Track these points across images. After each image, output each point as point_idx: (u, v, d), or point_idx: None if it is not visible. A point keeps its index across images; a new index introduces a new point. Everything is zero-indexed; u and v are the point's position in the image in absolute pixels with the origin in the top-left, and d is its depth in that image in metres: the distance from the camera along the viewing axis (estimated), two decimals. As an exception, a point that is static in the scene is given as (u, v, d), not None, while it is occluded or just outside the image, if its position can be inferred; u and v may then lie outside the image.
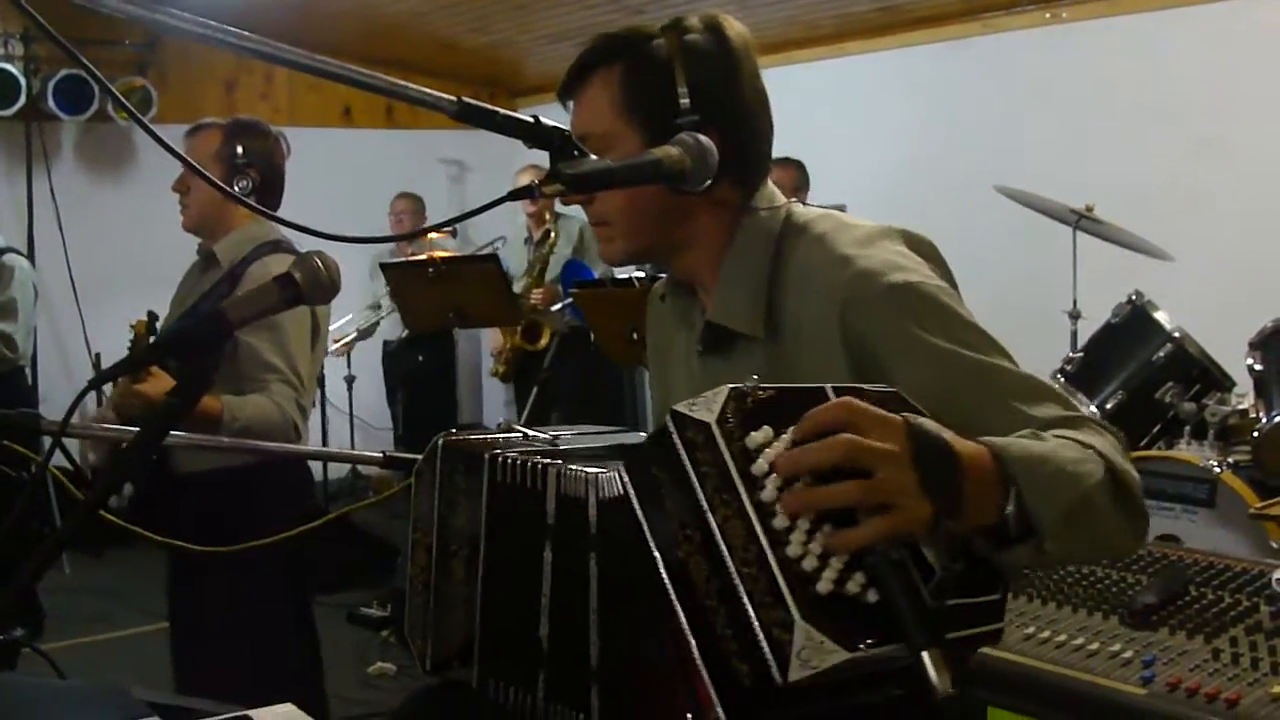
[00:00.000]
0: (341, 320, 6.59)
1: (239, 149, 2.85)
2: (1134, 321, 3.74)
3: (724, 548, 1.03)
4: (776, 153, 1.55)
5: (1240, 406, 3.56)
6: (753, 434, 1.06)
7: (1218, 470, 3.33)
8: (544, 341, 5.81)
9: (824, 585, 1.02)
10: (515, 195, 1.25)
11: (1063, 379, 3.83)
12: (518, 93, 8.18)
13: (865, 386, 1.18)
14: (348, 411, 7.10)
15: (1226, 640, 1.94)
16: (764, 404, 1.09)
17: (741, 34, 1.48)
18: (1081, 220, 4.13)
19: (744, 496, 1.03)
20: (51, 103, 6.52)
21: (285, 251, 2.83)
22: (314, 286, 1.29)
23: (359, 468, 7.32)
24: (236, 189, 2.80)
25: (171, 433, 1.48)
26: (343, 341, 6.70)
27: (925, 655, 1.01)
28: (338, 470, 7.18)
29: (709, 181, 1.38)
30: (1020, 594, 2.20)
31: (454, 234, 6.84)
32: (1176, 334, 3.64)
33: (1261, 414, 3.37)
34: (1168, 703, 1.77)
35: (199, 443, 2.16)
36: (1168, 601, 2.08)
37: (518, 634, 1.31)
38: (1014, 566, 1.20)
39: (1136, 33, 5.20)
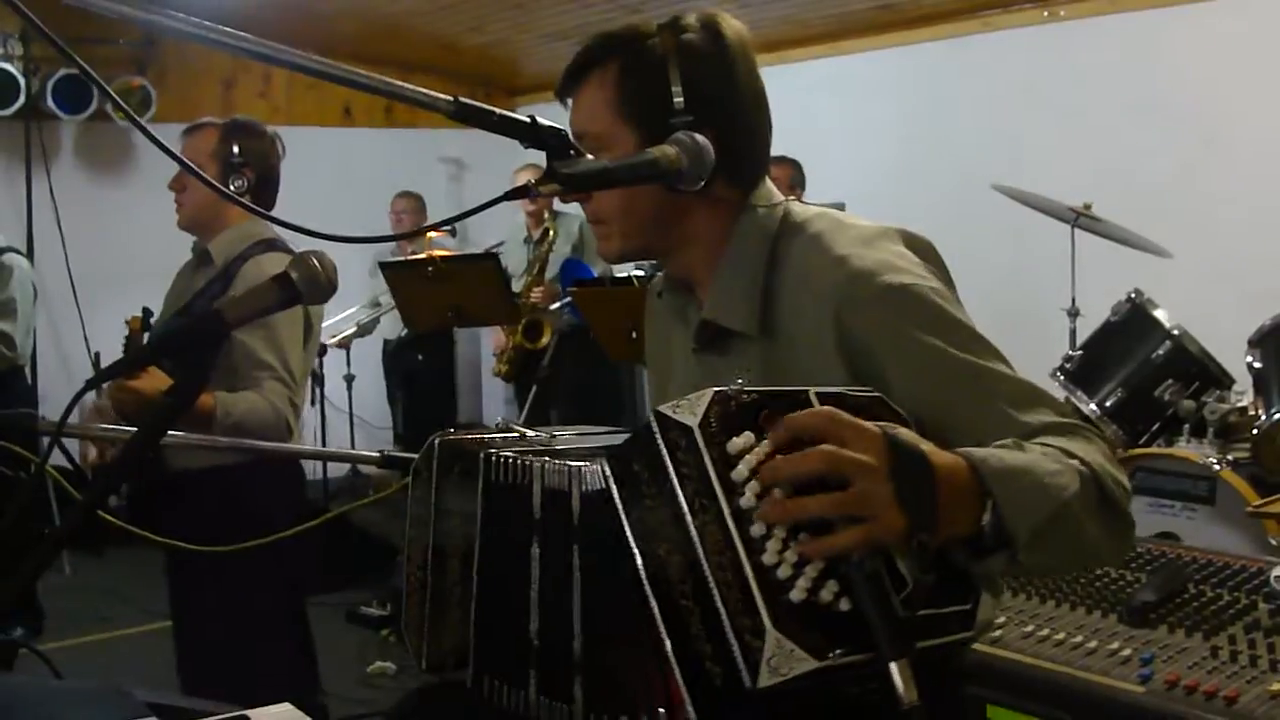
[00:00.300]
0: (341, 315, 6.60)
1: (235, 148, 2.86)
2: (1133, 319, 3.74)
3: (701, 551, 1.05)
4: (772, 151, 1.55)
5: (1239, 404, 3.56)
6: (734, 439, 1.08)
7: (1217, 468, 3.33)
8: (545, 340, 5.80)
9: (797, 594, 1.04)
10: (512, 195, 1.25)
11: (1062, 377, 3.84)
12: (515, 92, 8.18)
13: (848, 392, 1.20)
14: (347, 410, 7.10)
15: (1225, 638, 1.94)
16: (747, 407, 1.10)
17: (739, 32, 1.48)
18: (1080, 218, 4.13)
19: (723, 502, 1.06)
20: (50, 102, 6.51)
21: (279, 250, 2.84)
22: (312, 286, 1.30)
23: (359, 467, 7.31)
24: (232, 188, 2.81)
25: (171, 432, 1.48)
26: (341, 335, 6.71)
27: (894, 666, 1.03)
28: (337, 469, 7.17)
29: (705, 180, 1.38)
30: (1019, 592, 2.21)
31: (453, 233, 6.84)
32: (1175, 332, 3.65)
33: (1261, 411, 3.37)
34: (1166, 700, 1.78)
35: (196, 443, 2.16)
36: (1166, 599, 2.09)
37: (510, 631, 1.32)
38: (989, 576, 1.20)
39: (1134, 31, 5.20)
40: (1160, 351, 3.66)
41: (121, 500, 2.80)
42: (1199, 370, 3.64)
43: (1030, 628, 2.04)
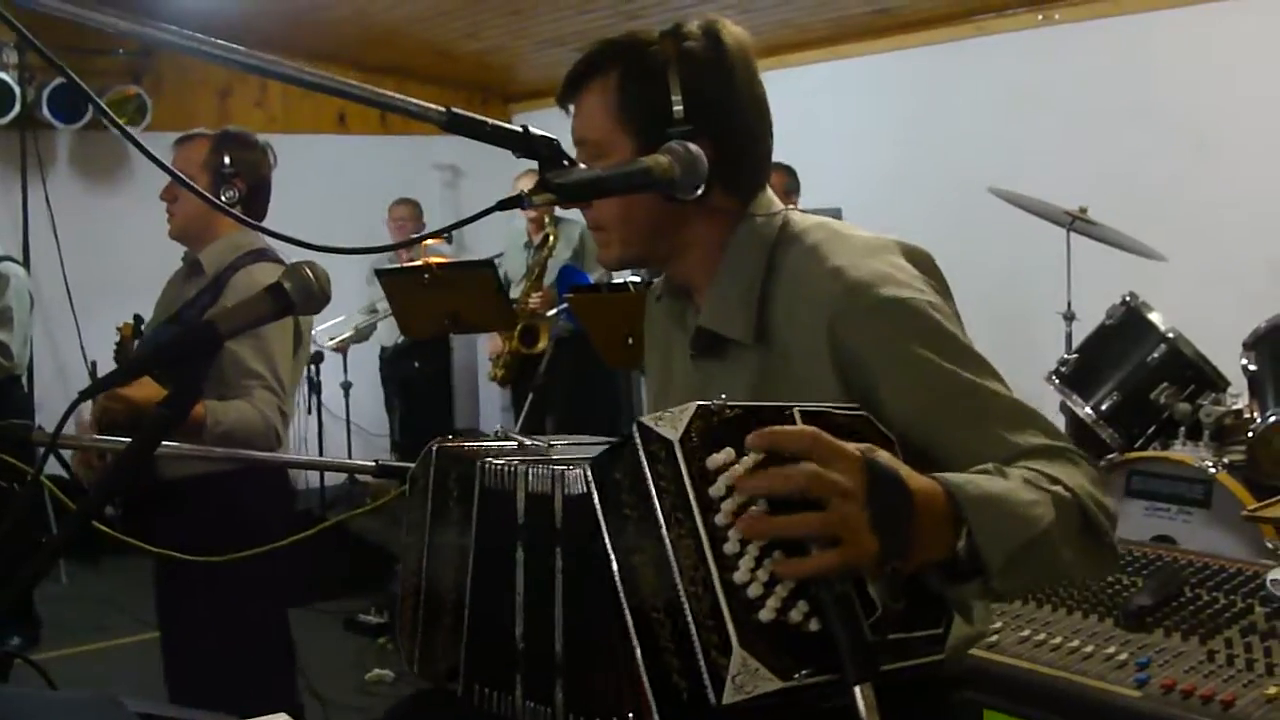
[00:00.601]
0: (336, 319, 6.60)
1: (226, 159, 2.87)
2: (1128, 322, 3.75)
3: (674, 565, 1.07)
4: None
5: (1235, 407, 3.56)
6: (714, 455, 1.09)
7: (1213, 471, 3.33)
8: (542, 345, 5.80)
9: (767, 613, 1.06)
10: (506, 204, 1.25)
11: (1057, 380, 3.84)
12: (512, 98, 8.18)
13: (833, 410, 1.21)
14: (345, 418, 7.09)
15: (1221, 641, 1.94)
16: (730, 423, 1.12)
17: (740, 40, 1.48)
18: (1075, 222, 4.13)
19: (698, 519, 1.07)
20: (46, 111, 6.51)
21: (270, 260, 2.85)
22: (305, 297, 1.30)
23: (356, 474, 7.31)
24: (223, 199, 2.82)
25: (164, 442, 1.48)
26: (339, 339, 6.71)
27: (858, 690, 1.05)
28: (335, 477, 7.17)
29: (701, 189, 1.38)
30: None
31: (449, 240, 6.85)
32: (1171, 335, 3.65)
33: (1256, 414, 3.37)
34: (1162, 704, 1.78)
35: (188, 453, 2.16)
36: (1163, 603, 2.09)
37: (497, 637, 1.32)
38: (962, 601, 1.21)
39: (1128, 34, 5.21)
40: (1155, 355, 3.66)
41: (116, 510, 2.80)
42: (1194, 373, 3.65)
43: (1026, 632, 2.04)
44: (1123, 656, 1.92)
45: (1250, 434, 3.30)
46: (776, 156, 1.57)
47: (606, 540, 1.13)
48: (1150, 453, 3.57)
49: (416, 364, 6.55)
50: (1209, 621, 2.01)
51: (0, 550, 1.35)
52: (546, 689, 1.25)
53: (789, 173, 5.17)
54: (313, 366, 6.69)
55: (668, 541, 1.07)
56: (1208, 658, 1.89)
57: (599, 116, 1.46)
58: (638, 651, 1.10)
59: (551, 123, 1.36)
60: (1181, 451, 3.52)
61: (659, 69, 1.43)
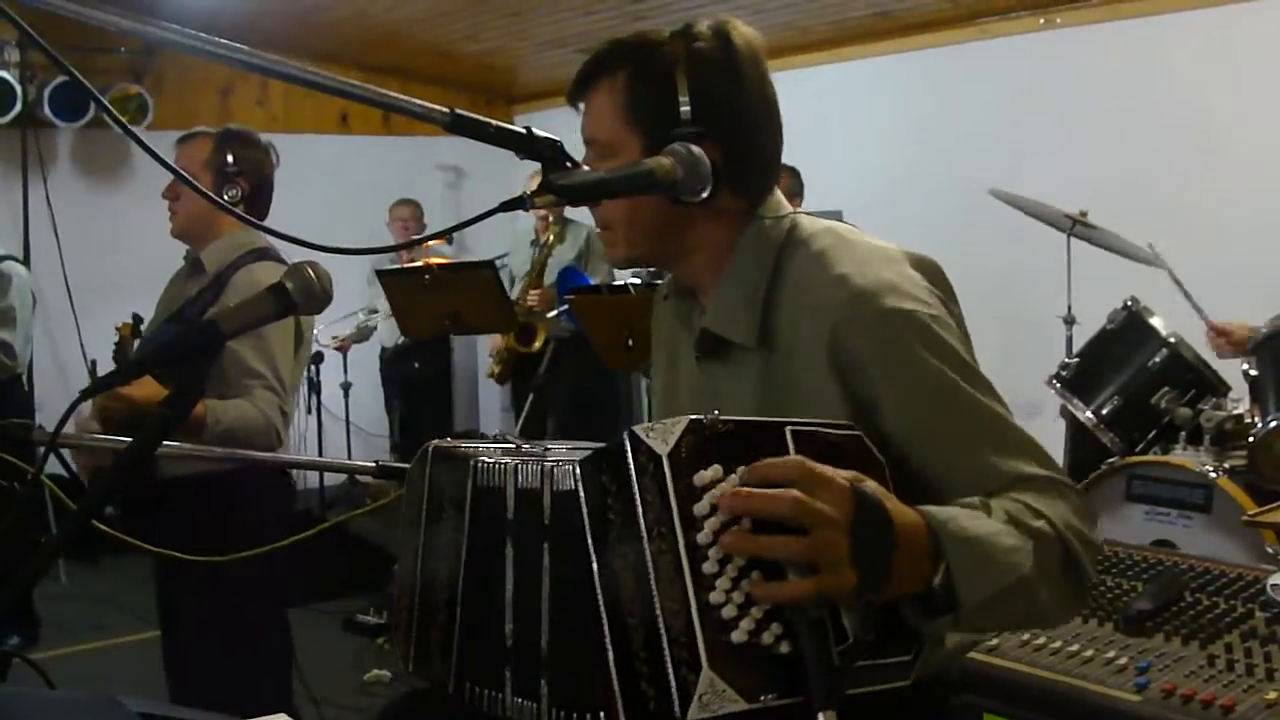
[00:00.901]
0: (338, 318, 6.60)
1: (229, 158, 2.86)
2: (1129, 327, 3.75)
3: (653, 579, 1.08)
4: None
5: (1236, 411, 3.56)
6: (702, 472, 1.10)
7: (1214, 475, 3.33)
8: (538, 344, 5.80)
9: (739, 635, 1.08)
10: (507, 206, 1.25)
11: (1058, 384, 3.84)
12: (514, 100, 8.18)
13: (826, 429, 1.21)
14: (344, 419, 7.09)
15: (1222, 646, 1.94)
16: (721, 438, 1.12)
17: (750, 40, 1.47)
18: (1076, 226, 4.13)
19: (679, 536, 1.08)
20: (47, 109, 6.51)
21: (271, 259, 2.85)
22: (307, 297, 1.30)
23: (356, 475, 7.31)
24: (225, 197, 2.81)
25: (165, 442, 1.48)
26: (340, 338, 6.70)
27: (821, 716, 1.07)
28: (335, 477, 7.17)
29: (706, 191, 1.38)
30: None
31: (450, 241, 6.85)
32: (1172, 339, 3.65)
33: (1257, 419, 3.37)
34: (1162, 709, 1.77)
35: (190, 453, 2.16)
36: (1163, 607, 2.08)
37: (488, 634, 1.32)
38: (932, 633, 1.22)
39: (1130, 39, 5.21)
40: (1157, 359, 3.66)
41: (116, 509, 2.80)
42: (1195, 378, 3.65)
43: (1026, 636, 2.04)
44: (1123, 661, 1.91)
45: (1251, 439, 3.31)
46: (779, 158, 1.56)
47: (589, 539, 1.15)
48: (1151, 457, 3.57)
49: (417, 365, 6.55)
50: (1209, 626, 2.01)
51: (0, 549, 1.35)
52: (533, 685, 1.25)
53: (793, 175, 5.17)
54: (312, 367, 6.70)
55: (648, 554, 1.09)
56: (1208, 662, 1.89)
57: (607, 116, 1.46)
58: (610, 654, 1.12)
59: (554, 125, 1.36)
60: (1182, 456, 3.52)
61: (667, 69, 1.42)
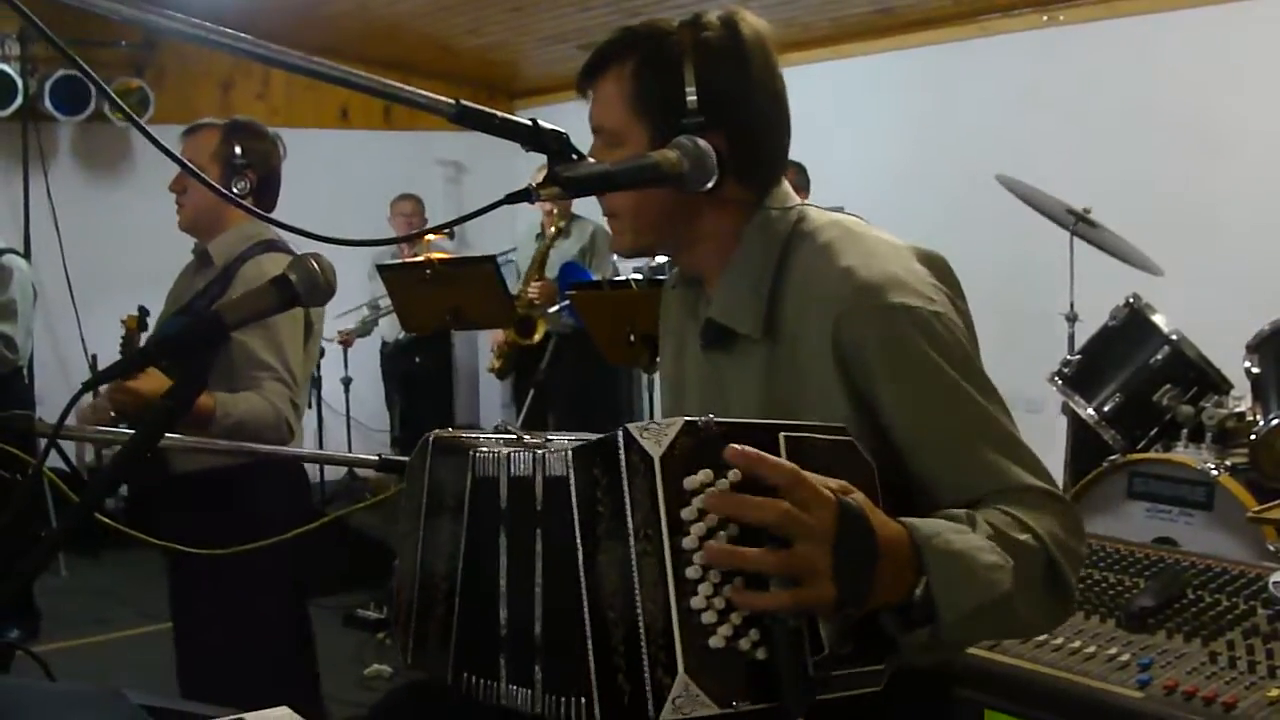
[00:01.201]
0: (340, 312, 6.60)
1: (237, 149, 2.84)
2: (1131, 324, 3.74)
3: (636, 578, 1.09)
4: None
5: (1237, 409, 3.56)
6: (692, 475, 1.11)
7: (1215, 473, 3.32)
8: (537, 337, 5.79)
9: (717, 640, 1.09)
10: (513, 198, 1.25)
11: (1060, 381, 3.84)
12: (515, 95, 8.18)
13: (818, 435, 1.21)
14: (345, 413, 7.09)
15: (1224, 643, 1.94)
16: (714, 441, 1.13)
17: (759, 31, 1.47)
18: (1078, 224, 4.13)
19: (665, 540, 1.09)
20: (48, 103, 6.51)
21: (279, 251, 2.83)
22: (310, 288, 1.30)
23: (356, 470, 7.31)
24: (234, 190, 2.80)
25: (168, 433, 1.48)
26: (344, 331, 6.70)
27: None
28: (335, 472, 7.16)
29: (711, 182, 1.38)
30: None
31: (451, 235, 6.84)
32: (1174, 337, 3.65)
33: (1259, 417, 3.36)
34: (1165, 706, 1.77)
35: (196, 445, 2.15)
36: (1165, 604, 2.08)
37: (485, 623, 1.32)
38: (910, 645, 1.22)
39: (1132, 36, 5.20)
40: (1158, 356, 3.66)
41: (119, 502, 2.79)
42: (1197, 375, 3.64)
43: (1028, 633, 2.04)
44: (1125, 657, 1.91)
45: (1253, 437, 3.30)
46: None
47: (576, 526, 1.16)
48: (1152, 454, 3.57)
49: (417, 359, 6.55)
50: (1211, 623, 2.01)
51: (1, 543, 1.34)
52: (527, 672, 1.25)
53: (798, 170, 5.17)
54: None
55: (633, 554, 1.10)
56: (1210, 659, 1.89)
57: (615, 105, 1.46)
58: (589, 643, 1.13)
59: (556, 119, 1.35)
60: (1184, 454, 3.52)
61: (675, 59, 1.42)
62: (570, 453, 1.19)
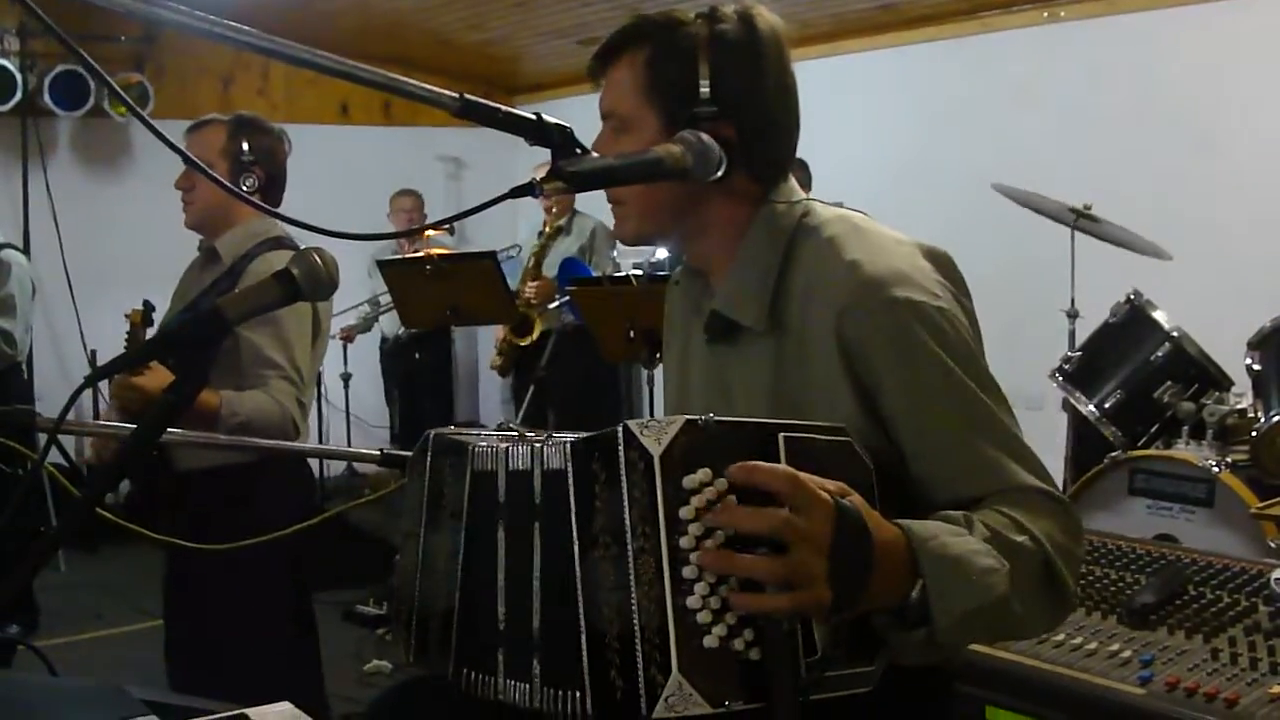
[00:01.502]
0: (342, 309, 6.59)
1: (245, 145, 2.82)
2: (1132, 321, 3.74)
3: (632, 576, 1.10)
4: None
5: (1239, 406, 3.55)
6: (691, 475, 1.11)
7: (1216, 470, 3.32)
8: (534, 336, 5.79)
9: (711, 640, 1.10)
10: (516, 193, 1.25)
11: (1061, 378, 3.83)
12: (515, 90, 8.17)
13: (817, 436, 1.21)
14: (345, 409, 7.08)
15: (1225, 640, 1.94)
16: (714, 440, 1.13)
17: (774, 27, 1.48)
18: (1079, 219, 4.12)
19: (663, 538, 1.09)
20: (48, 98, 6.50)
21: (287, 248, 2.81)
22: (312, 283, 1.29)
23: (356, 466, 7.31)
24: (243, 187, 2.78)
25: (172, 430, 1.48)
26: (344, 327, 6.70)
27: None
28: (335, 468, 7.17)
29: (717, 175, 1.39)
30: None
31: (451, 231, 6.83)
32: (1175, 333, 3.64)
33: (1260, 414, 3.36)
34: (1166, 702, 1.77)
35: (199, 441, 2.15)
36: (1166, 601, 2.09)
37: (484, 619, 1.32)
38: (903, 647, 1.22)
39: (1133, 32, 5.20)
40: (1159, 353, 3.65)
41: (120, 498, 2.79)
42: (1198, 372, 3.64)
43: (1030, 629, 2.03)
44: (1126, 654, 1.92)
45: (1253, 433, 3.30)
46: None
47: (573, 520, 1.16)
48: (1153, 451, 3.57)
49: (418, 355, 6.54)
50: (1213, 620, 2.01)
51: (1, 538, 1.34)
52: (525, 666, 1.25)
53: (802, 166, 5.17)
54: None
55: (630, 552, 1.10)
56: (1211, 656, 1.89)
57: (628, 90, 1.47)
58: (584, 638, 1.14)
59: (557, 115, 1.35)
60: (1185, 450, 3.51)
61: (690, 49, 1.43)
62: (569, 447, 1.19)
